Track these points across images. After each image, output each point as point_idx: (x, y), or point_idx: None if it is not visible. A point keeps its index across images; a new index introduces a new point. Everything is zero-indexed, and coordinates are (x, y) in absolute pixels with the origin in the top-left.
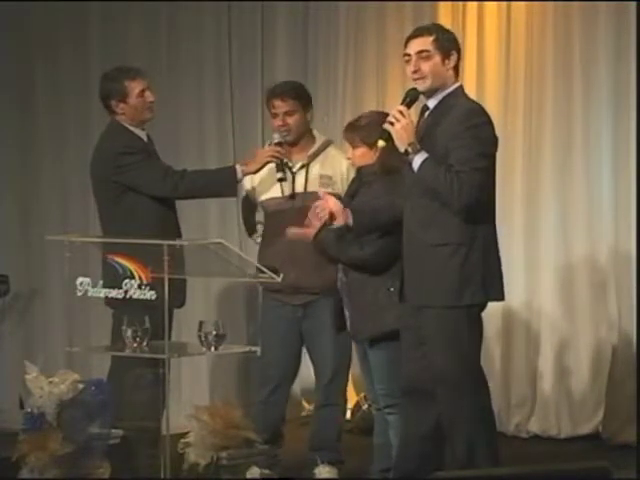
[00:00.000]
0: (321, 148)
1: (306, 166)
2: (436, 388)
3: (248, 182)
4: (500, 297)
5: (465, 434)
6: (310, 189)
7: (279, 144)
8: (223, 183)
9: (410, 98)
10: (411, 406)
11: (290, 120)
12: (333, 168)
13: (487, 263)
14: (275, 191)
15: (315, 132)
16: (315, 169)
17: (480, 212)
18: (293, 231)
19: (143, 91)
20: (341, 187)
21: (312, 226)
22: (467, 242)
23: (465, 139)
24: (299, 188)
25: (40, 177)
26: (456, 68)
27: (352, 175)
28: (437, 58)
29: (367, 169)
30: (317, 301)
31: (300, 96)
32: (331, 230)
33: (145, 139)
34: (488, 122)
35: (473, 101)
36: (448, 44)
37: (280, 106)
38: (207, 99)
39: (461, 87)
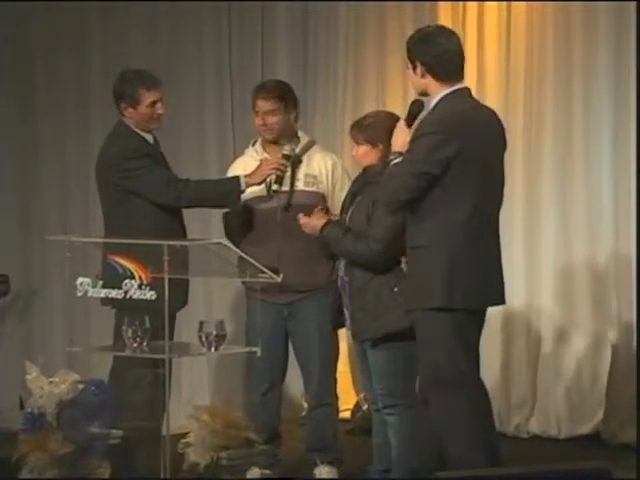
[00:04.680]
0: (305, 149)
1: (291, 165)
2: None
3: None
4: (474, 305)
5: (452, 436)
6: (296, 188)
7: (286, 157)
8: (226, 194)
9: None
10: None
11: (270, 120)
12: (318, 167)
13: (455, 266)
14: (260, 190)
15: (300, 133)
16: (300, 169)
17: (444, 216)
18: (303, 218)
19: (155, 102)
20: (326, 185)
21: (319, 218)
22: (434, 245)
23: (411, 146)
24: (285, 187)
25: (40, 177)
26: (435, 74)
27: (337, 174)
28: (410, 70)
29: (372, 169)
30: (302, 300)
31: (282, 96)
32: (335, 225)
33: (151, 142)
34: (431, 133)
35: (433, 112)
36: (411, 53)
37: (261, 105)
38: (207, 100)
39: (446, 96)
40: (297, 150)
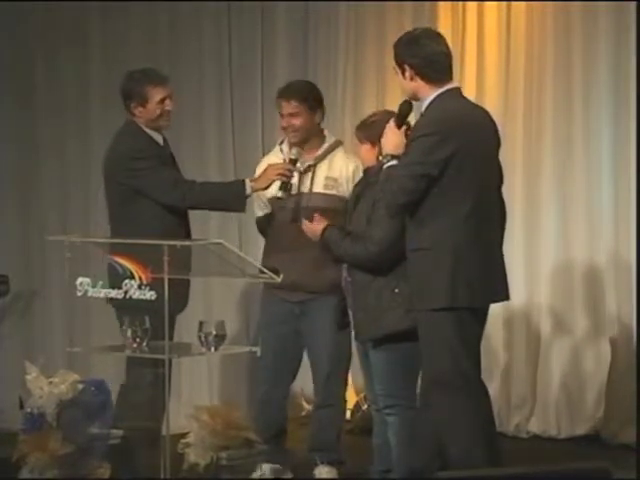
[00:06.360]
0: (329, 149)
1: (313, 167)
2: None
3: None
4: (480, 301)
5: (453, 436)
6: (315, 190)
7: (293, 162)
8: (232, 197)
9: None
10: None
11: (295, 121)
12: (340, 170)
13: (457, 265)
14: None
15: (326, 132)
16: (321, 171)
17: (444, 217)
18: (305, 224)
19: (164, 99)
20: (346, 189)
21: (320, 223)
22: (435, 246)
23: (407, 149)
24: (305, 188)
25: (40, 177)
26: (424, 77)
27: (358, 177)
28: (399, 75)
29: (372, 170)
30: (315, 300)
31: (306, 97)
32: (335, 228)
33: (161, 142)
34: (426, 134)
35: (425, 113)
36: (399, 57)
37: (285, 107)
38: (207, 100)
39: (438, 97)
40: (320, 151)
